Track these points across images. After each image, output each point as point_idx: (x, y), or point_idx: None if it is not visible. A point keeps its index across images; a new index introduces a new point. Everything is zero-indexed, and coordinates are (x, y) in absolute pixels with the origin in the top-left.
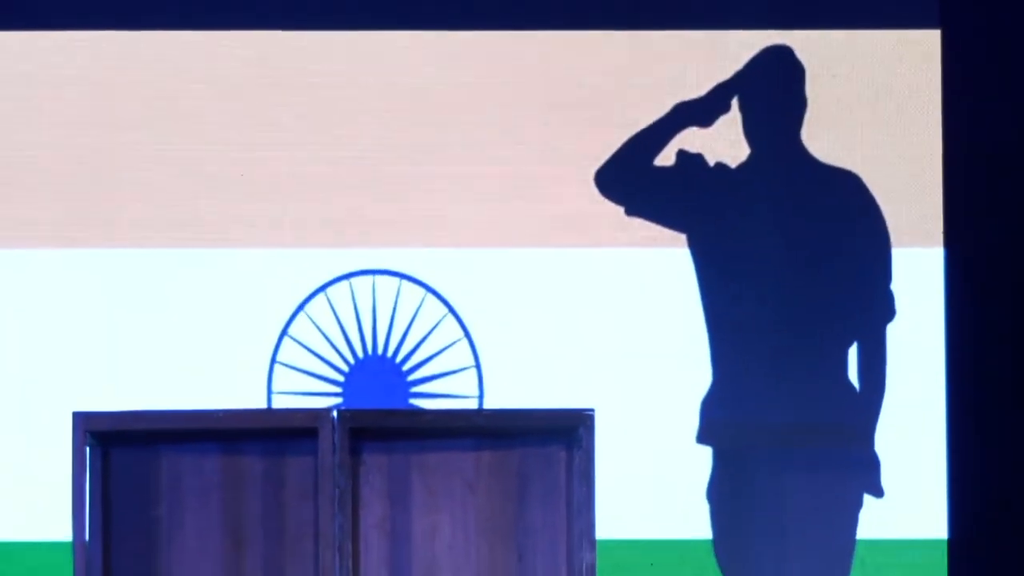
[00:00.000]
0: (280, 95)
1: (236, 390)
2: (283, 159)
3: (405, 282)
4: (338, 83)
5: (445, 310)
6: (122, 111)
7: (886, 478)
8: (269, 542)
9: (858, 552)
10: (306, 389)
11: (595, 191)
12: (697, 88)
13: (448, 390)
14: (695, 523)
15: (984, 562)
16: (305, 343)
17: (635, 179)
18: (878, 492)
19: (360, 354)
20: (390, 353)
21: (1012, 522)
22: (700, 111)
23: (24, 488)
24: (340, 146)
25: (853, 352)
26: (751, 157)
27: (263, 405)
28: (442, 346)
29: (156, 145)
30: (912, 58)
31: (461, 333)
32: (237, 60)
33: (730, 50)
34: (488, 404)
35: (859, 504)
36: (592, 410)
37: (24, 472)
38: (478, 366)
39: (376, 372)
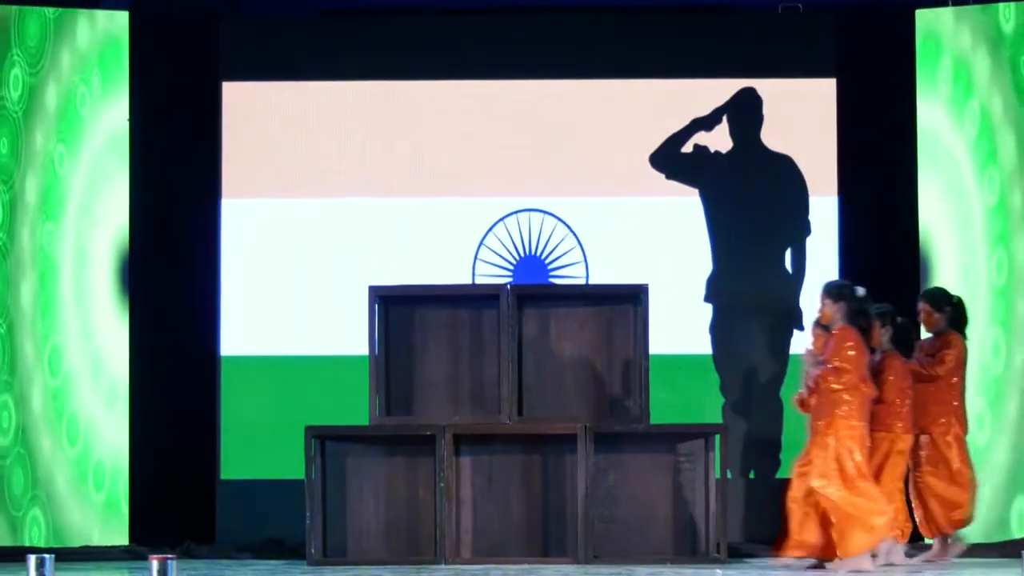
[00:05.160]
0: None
1: (455, 274)
2: (486, 152)
3: (546, 216)
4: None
5: (567, 230)
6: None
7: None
8: (473, 356)
9: (790, 362)
10: (492, 273)
11: (649, 165)
12: (704, 110)
13: (568, 274)
14: (703, 344)
15: None
16: (492, 248)
17: (670, 160)
18: (800, 327)
19: (522, 254)
20: (537, 253)
21: None
22: (705, 122)
23: (333, 326)
24: (513, 139)
25: (788, 253)
26: (734, 147)
27: (470, 282)
28: (565, 250)
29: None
30: (821, 92)
31: (575, 243)
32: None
33: (720, 91)
34: (591, 282)
35: (791, 334)
36: (647, 284)
37: (335, 318)
38: (585, 261)
39: (530, 265)
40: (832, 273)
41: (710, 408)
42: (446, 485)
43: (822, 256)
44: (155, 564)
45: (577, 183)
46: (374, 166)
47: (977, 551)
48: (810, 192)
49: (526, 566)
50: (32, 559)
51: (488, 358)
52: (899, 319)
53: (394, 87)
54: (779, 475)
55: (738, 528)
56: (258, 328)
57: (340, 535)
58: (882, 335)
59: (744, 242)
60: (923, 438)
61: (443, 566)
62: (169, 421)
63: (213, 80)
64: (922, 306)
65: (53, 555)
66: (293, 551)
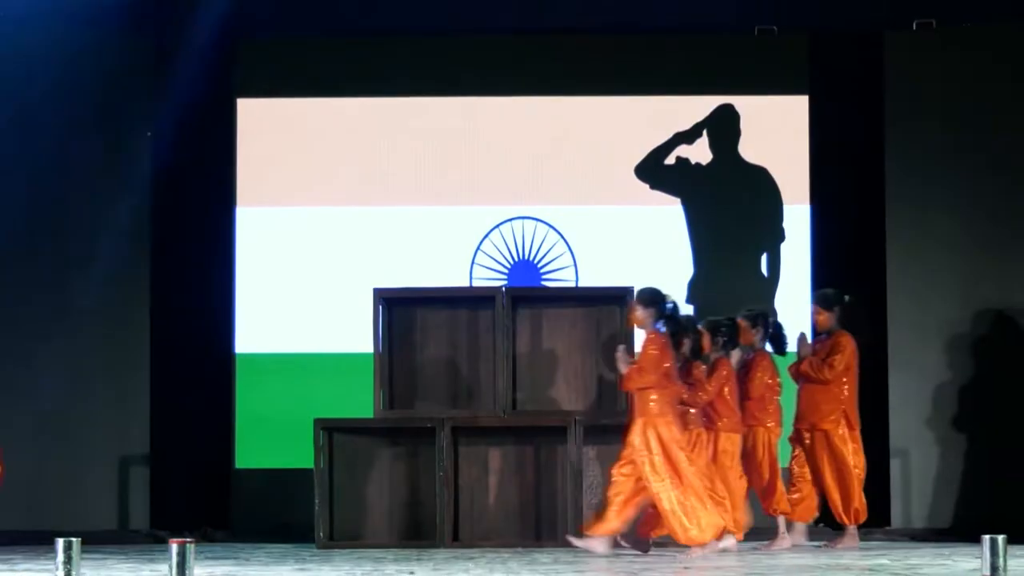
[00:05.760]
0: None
1: (453, 277)
2: (483, 164)
3: (538, 223)
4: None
5: (558, 237)
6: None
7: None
8: (471, 353)
9: None
10: (488, 276)
11: (634, 177)
12: (686, 125)
13: (559, 277)
14: None
15: None
16: (488, 253)
17: (654, 171)
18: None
19: (516, 258)
20: (530, 258)
21: None
22: (687, 136)
23: (340, 325)
24: (508, 152)
25: (764, 258)
26: (713, 159)
27: (467, 284)
28: (556, 255)
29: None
30: (794, 107)
31: (566, 248)
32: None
33: (700, 107)
34: (581, 285)
35: None
36: (632, 287)
37: (339, 318)
38: (575, 266)
39: (524, 269)
40: (805, 276)
41: None
42: (445, 474)
43: (796, 260)
44: (175, 547)
45: (567, 193)
46: (379, 177)
47: (940, 535)
48: (784, 201)
49: (520, 549)
50: (60, 542)
51: (484, 355)
52: (771, 320)
53: (397, 104)
54: None
55: None
56: (271, 327)
57: (346, 520)
58: (754, 335)
59: (723, 248)
60: (816, 434)
61: (442, 549)
62: (188, 414)
63: (228, 97)
64: (812, 307)
65: (80, 539)
66: (303, 535)
